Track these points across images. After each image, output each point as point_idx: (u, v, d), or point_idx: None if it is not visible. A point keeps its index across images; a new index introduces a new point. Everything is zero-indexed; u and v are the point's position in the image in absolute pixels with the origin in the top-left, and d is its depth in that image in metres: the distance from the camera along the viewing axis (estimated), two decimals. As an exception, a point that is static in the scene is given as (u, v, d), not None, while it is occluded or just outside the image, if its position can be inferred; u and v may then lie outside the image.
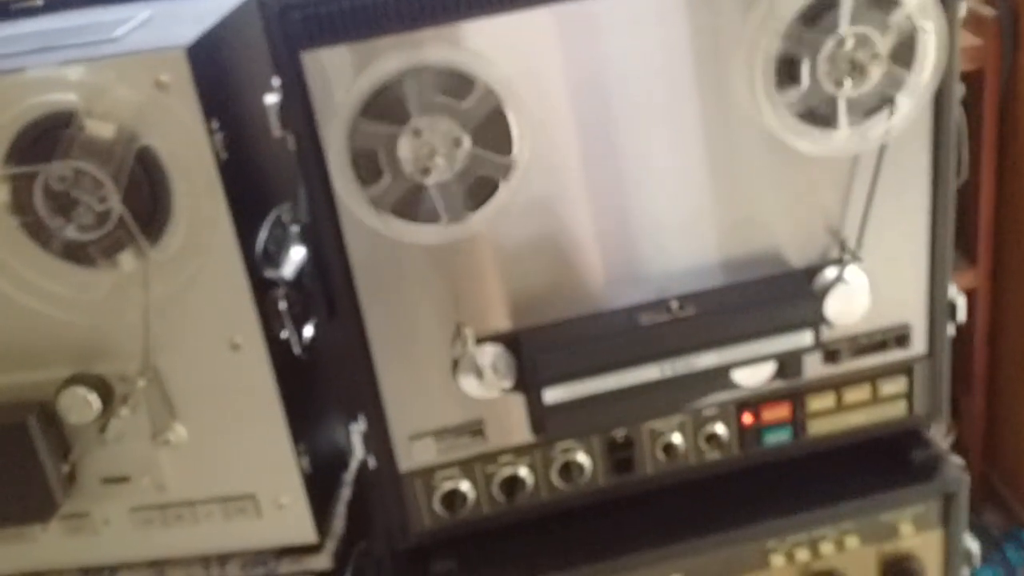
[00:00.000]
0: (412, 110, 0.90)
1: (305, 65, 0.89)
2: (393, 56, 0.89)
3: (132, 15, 1.07)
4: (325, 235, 0.96)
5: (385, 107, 0.90)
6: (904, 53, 0.96)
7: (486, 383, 1.02)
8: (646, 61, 0.95)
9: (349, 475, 1.26)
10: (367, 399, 1.03)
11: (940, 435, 2.05)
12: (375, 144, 0.91)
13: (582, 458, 1.10)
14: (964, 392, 2.02)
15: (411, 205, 0.94)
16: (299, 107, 0.90)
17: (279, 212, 1.10)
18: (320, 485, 1.16)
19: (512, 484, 1.10)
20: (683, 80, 0.96)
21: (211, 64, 0.98)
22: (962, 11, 0.98)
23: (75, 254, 0.99)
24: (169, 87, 0.94)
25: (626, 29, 0.93)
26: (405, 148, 0.90)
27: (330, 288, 0.99)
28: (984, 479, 2.08)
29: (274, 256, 1.09)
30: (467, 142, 0.91)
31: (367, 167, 0.92)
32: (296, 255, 1.11)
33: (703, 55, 0.95)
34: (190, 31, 0.97)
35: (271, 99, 0.91)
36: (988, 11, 1.73)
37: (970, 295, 1.89)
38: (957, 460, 2.02)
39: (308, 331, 1.11)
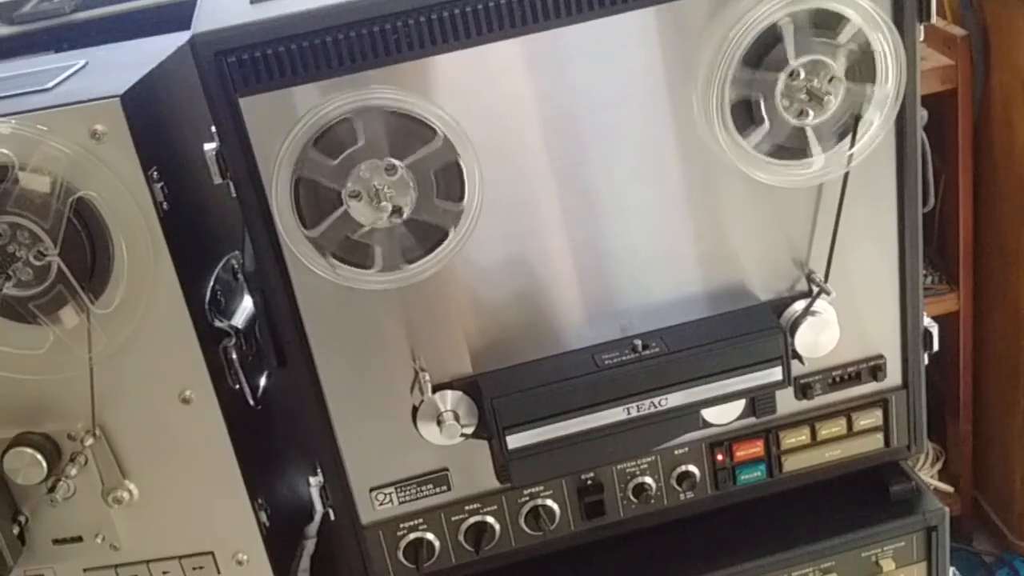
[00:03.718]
0: (364, 151, 0.87)
1: (244, 110, 0.86)
2: (337, 99, 0.86)
3: (69, 64, 1.04)
4: (271, 282, 0.93)
5: (339, 142, 0.87)
6: (864, 70, 0.93)
7: (446, 430, 0.98)
8: (606, 94, 0.92)
9: (314, 527, 1.23)
10: (323, 451, 1.00)
11: (928, 462, 2.04)
12: (321, 178, 0.87)
13: (551, 503, 1.07)
14: (951, 417, 1.99)
15: (358, 250, 0.90)
16: (239, 154, 0.88)
17: (230, 259, 1.07)
18: (282, 539, 1.13)
19: (479, 532, 1.06)
20: (642, 115, 0.93)
21: (148, 111, 0.95)
22: (920, 35, 0.95)
23: (15, 311, 0.96)
24: (105, 137, 0.91)
25: (589, 59, 0.90)
26: (350, 188, 0.87)
27: (279, 337, 0.95)
28: (974, 504, 2.04)
29: (225, 305, 1.05)
30: (415, 190, 0.88)
31: (308, 200, 0.88)
32: (249, 303, 1.07)
33: (662, 88, 0.93)
34: (125, 78, 0.95)
35: (209, 146, 0.89)
36: (958, 30, 1.71)
37: (952, 319, 1.87)
38: (945, 487, 2.00)
39: (264, 380, 1.08)
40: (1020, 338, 1.79)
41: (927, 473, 2.03)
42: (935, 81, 1.71)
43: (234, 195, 0.90)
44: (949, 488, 2.02)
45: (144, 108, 0.95)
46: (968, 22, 1.71)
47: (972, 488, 2.04)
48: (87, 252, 0.94)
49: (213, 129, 0.88)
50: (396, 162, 0.87)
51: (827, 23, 0.91)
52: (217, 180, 0.89)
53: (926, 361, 1.09)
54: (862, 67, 0.93)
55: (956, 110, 1.72)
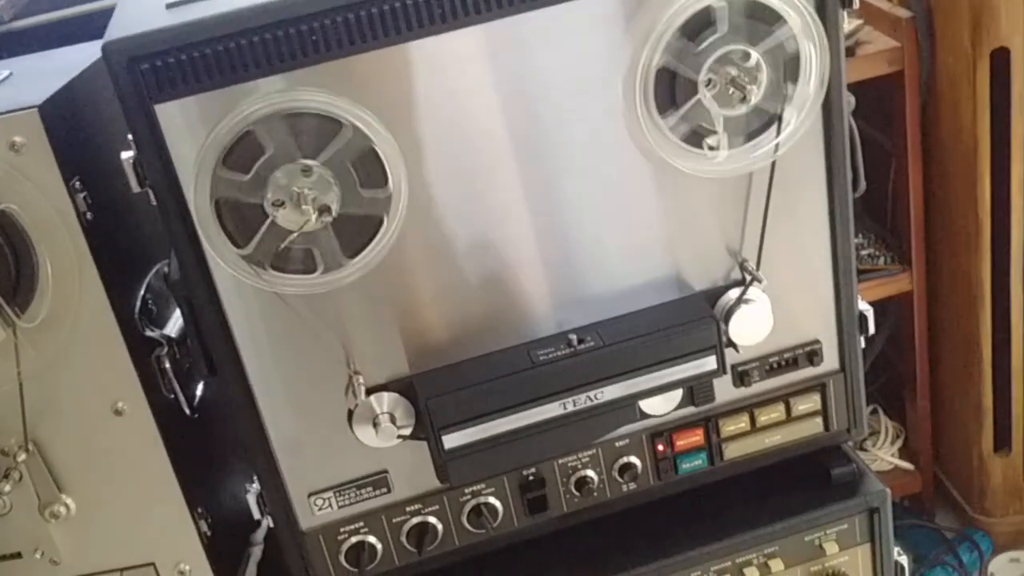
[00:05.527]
0: (275, 158, 0.86)
1: (160, 117, 0.86)
2: (250, 104, 0.85)
3: (-9, 75, 1.03)
4: (196, 290, 0.92)
5: (247, 155, 0.86)
6: (789, 68, 0.93)
7: (382, 433, 0.98)
8: (529, 87, 0.91)
9: (261, 533, 1.22)
10: (258, 457, 1.00)
11: (889, 440, 2.05)
12: (239, 195, 0.87)
13: (493, 500, 1.07)
14: (909, 395, 2.00)
15: (284, 255, 0.90)
16: (156, 161, 0.87)
17: (161, 267, 1.06)
18: (226, 547, 1.12)
19: (422, 533, 1.06)
20: (567, 106, 0.93)
21: (68, 121, 0.94)
22: (845, 24, 0.95)
23: (-61, 328, 0.95)
24: (24, 148, 0.91)
25: (515, 50, 0.90)
26: (271, 198, 0.87)
27: (207, 345, 0.95)
28: (935, 481, 2.06)
29: (157, 313, 1.05)
30: (336, 185, 0.88)
31: (233, 218, 0.88)
32: (181, 311, 1.07)
33: (591, 76, 0.92)
34: (44, 88, 0.94)
35: (127, 154, 0.88)
36: (904, 12, 1.72)
37: (906, 298, 1.88)
38: (905, 465, 2.02)
39: (200, 388, 1.07)
40: (973, 315, 1.80)
41: (887, 451, 2.04)
42: (882, 63, 1.71)
43: (154, 203, 0.89)
44: (909, 466, 2.04)
45: (64, 117, 0.94)
46: (913, 4, 1.71)
47: (933, 465, 2.05)
48: (11, 266, 0.93)
49: (130, 137, 0.87)
50: (310, 162, 0.86)
51: (762, 16, 0.91)
52: (136, 188, 0.88)
53: (863, 344, 1.09)
54: (788, 66, 0.93)
55: (904, 92, 1.72)
